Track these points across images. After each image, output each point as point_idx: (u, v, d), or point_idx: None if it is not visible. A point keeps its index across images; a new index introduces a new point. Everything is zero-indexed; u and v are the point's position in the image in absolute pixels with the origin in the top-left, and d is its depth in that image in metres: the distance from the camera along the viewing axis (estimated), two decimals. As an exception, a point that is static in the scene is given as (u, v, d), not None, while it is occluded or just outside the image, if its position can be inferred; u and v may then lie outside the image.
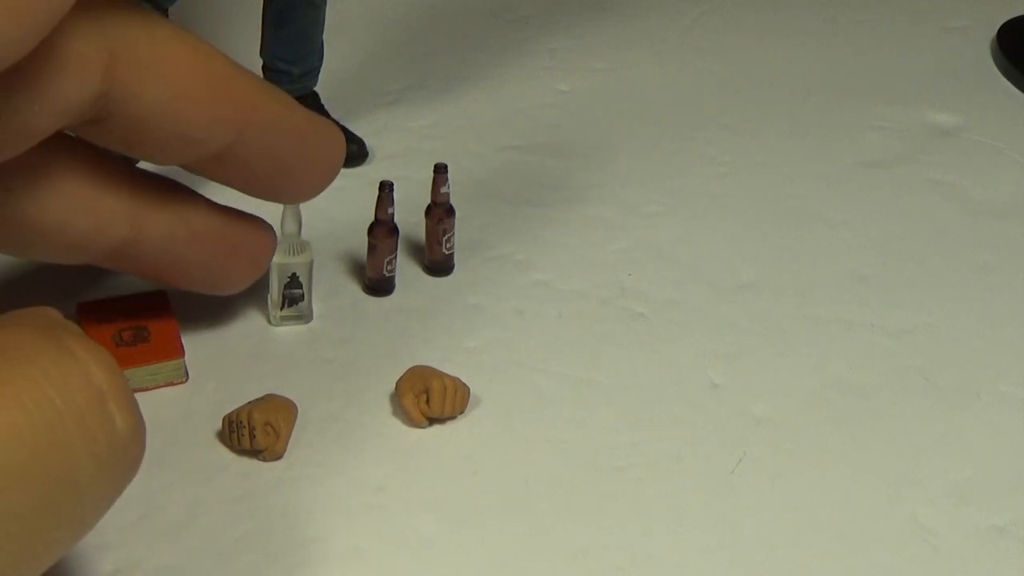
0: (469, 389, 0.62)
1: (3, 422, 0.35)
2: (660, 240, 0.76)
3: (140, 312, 0.64)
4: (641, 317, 0.70)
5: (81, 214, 0.54)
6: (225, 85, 0.53)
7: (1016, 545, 0.57)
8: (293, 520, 0.55)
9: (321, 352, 0.66)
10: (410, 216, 0.72)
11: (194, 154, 0.54)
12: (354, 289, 0.70)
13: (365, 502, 0.57)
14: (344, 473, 0.59)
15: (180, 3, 0.73)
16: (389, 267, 0.69)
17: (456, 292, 0.71)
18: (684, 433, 0.62)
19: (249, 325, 0.67)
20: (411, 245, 0.73)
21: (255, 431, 0.57)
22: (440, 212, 0.71)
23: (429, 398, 0.60)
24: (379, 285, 0.70)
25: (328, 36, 0.79)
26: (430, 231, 0.71)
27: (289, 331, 0.67)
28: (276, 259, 0.65)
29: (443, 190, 0.70)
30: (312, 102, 0.80)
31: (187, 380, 0.63)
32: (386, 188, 0.67)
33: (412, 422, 0.61)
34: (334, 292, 0.69)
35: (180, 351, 0.63)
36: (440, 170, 0.70)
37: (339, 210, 0.75)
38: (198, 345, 0.64)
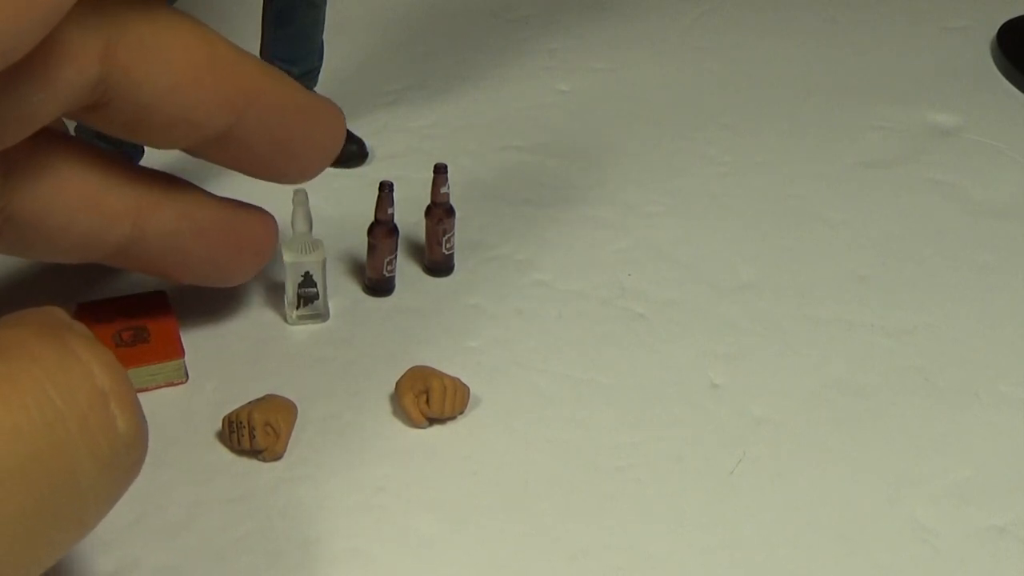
0: (469, 389, 0.62)
1: (4, 422, 0.35)
2: (660, 240, 0.76)
3: (140, 312, 0.64)
4: (641, 317, 0.70)
5: (84, 214, 0.54)
6: (226, 67, 0.53)
7: (1016, 545, 0.57)
8: (293, 520, 0.55)
9: (321, 352, 0.66)
10: (410, 216, 0.72)
11: (196, 136, 0.54)
12: (354, 289, 0.70)
13: (365, 502, 0.57)
14: (344, 473, 0.59)
15: (180, 3, 0.73)
16: (389, 267, 0.69)
17: (456, 292, 0.71)
18: (684, 433, 0.62)
19: (249, 325, 0.67)
20: (411, 245, 0.73)
21: (255, 431, 0.57)
22: (440, 212, 0.70)
23: (429, 398, 0.60)
24: (379, 285, 0.70)
25: (328, 36, 0.79)
26: (430, 231, 0.71)
27: (289, 331, 0.67)
28: (289, 258, 0.65)
29: (443, 190, 0.70)
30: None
31: (187, 380, 0.63)
32: (386, 188, 0.67)
33: (412, 422, 0.61)
34: (334, 292, 0.69)
35: (180, 351, 0.63)
36: (440, 170, 0.70)
37: (339, 210, 0.75)
38: (198, 345, 0.64)
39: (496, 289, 0.71)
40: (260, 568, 0.53)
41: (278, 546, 0.55)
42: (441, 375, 0.61)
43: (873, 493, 0.60)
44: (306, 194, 0.65)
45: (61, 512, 0.37)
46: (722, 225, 0.78)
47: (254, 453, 0.59)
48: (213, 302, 0.67)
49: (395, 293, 0.70)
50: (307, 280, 0.65)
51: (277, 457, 0.59)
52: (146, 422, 0.41)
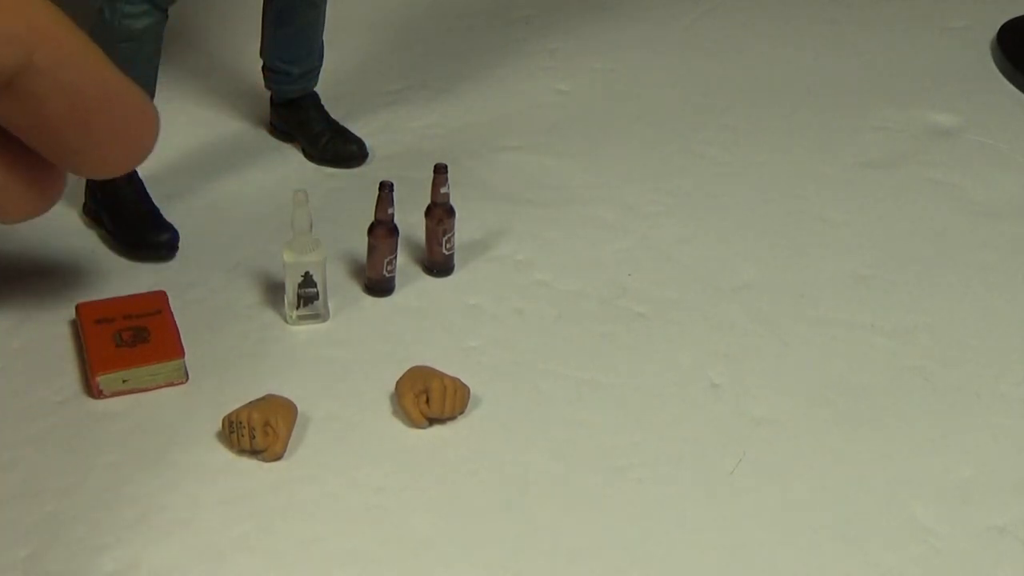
0: (469, 389, 0.62)
1: None
2: (660, 240, 0.76)
3: (140, 312, 0.64)
4: (641, 317, 0.70)
5: None
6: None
7: (1016, 545, 0.57)
8: (293, 520, 0.55)
9: (321, 352, 0.66)
10: (410, 216, 0.72)
11: None
12: (354, 289, 0.70)
13: (365, 502, 0.57)
14: (344, 473, 0.59)
15: (180, 3, 0.73)
16: (389, 267, 0.69)
17: (456, 292, 0.71)
18: (684, 433, 0.62)
19: (249, 325, 0.67)
20: (411, 245, 0.73)
21: (255, 431, 0.58)
22: (440, 212, 0.70)
23: (429, 398, 0.61)
24: (379, 285, 0.70)
25: (328, 36, 0.79)
26: (430, 231, 0.71)
27: (289, 331, 0.67)
28: (289, 258, 0.65)
29: (443, 190, 0.70)
30: (312, 102, 0.80)
31: (187, 380, 0.63)
32: (386, 188, 0.67)
33: (412, 422, 0.61)
34: (334, 292, 0.69)
35: (180, 351, 0.63)
36: (440, 170, 0.70)
37: (339, 210, 0.75)
38: (198, 345, 0.64)
39: (496, 289, 0.71)
40: (260, 568, 0.53)
41: (278, 546, 0.54)
42: (441, 375, 0.61)
43: (873, 493, 0.60)
44: (306, 194, 0.64)
45: None
46: (722, 225, 0.78)
47: (254, 453, 0.59)
48: (213, 302, 0.67)
49: (395, 293, 0.70)
50: (307, 280, 0.65)
51: (277, 457, 0.59)
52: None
